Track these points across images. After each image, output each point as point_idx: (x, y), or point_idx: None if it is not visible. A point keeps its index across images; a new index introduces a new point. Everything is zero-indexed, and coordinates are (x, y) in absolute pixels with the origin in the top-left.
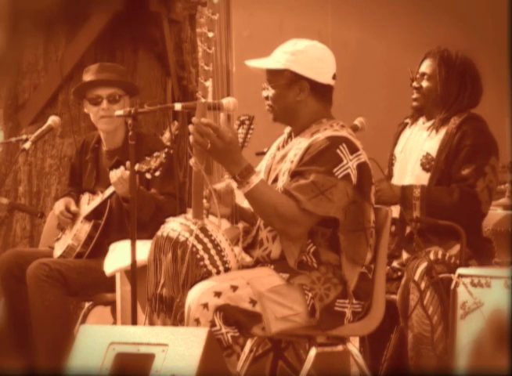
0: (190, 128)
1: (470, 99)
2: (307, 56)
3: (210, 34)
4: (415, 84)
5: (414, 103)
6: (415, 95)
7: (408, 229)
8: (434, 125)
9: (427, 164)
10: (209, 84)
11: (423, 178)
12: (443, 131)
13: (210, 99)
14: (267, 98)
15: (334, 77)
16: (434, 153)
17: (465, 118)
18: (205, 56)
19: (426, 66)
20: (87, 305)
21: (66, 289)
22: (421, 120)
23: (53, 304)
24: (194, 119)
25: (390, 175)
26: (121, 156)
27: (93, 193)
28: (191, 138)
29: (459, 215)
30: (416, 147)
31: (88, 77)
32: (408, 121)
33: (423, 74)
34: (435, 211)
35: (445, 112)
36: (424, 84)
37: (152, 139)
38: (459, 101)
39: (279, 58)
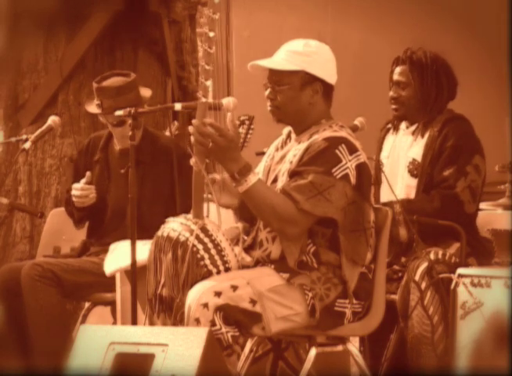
0: (190, 128)
1: (449, 93)
2: (320, 57)
3: (211, 34)
4: (392, 93)
5: (395, 113)
6: (394, 106)
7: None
8: (419, 130)
9: (414, 170)
10: (209, 83)
11: (413, 184)
12: (427, 135)
13: (210, 99)
14: (272, 98)
15: None
16: (419, 158)
17: (446, 119)
18: (206, 55)
19: (398, 74)
20: (87, 305)
21: (60, 289)
22: (404, 124)
23: (48, 303)
24: (194, 121)
25: (378, 181)
26: (138, 154)
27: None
28: (192, 138)
29: (445, 219)
30: (403, 154)
31: (106, 100)
32: (390, 125)
33: (397, 83)
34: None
35: (427, 115)
36: (402, 93)
37: (166, 138)
38: (439, 100)
39: (291, 58)
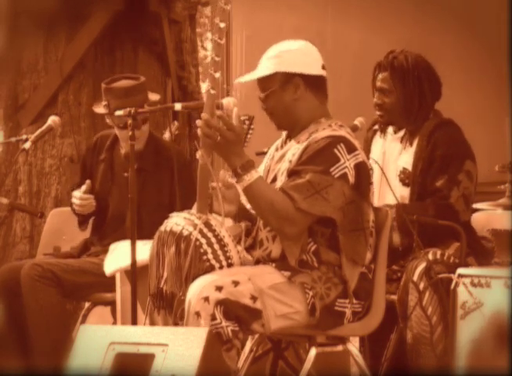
0: (198, 121)
1: (432, 97)
2: (290, 53)
3: (222, 25)
4: (376, 100)
5: (380, 119)
6: (379, 113)
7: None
8: (406, 138)
9: (405, 179)
10: (219, 75)
11: (405, 194)
12: (415, 143)
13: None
14: (265, 108)
15: (324, 68)
16: (409, 167)
17: (434, 126)
18: (216, 46)
19: (381, 81)
20: (87, 305)
21: (60, 289)
22: (391, 128)
23: (48, 303)
24: (203, 114)
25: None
26: (141, 161)
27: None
28: (199, 130)
29: (439, 228)
30: (392, 162)
31: (113, 100)
32: (377, 127)
33: (380, 89)
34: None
35: (413, 123)
36: (385, 100)
37: (169, 146)
38: (423, 107)
39: (267, 65)
